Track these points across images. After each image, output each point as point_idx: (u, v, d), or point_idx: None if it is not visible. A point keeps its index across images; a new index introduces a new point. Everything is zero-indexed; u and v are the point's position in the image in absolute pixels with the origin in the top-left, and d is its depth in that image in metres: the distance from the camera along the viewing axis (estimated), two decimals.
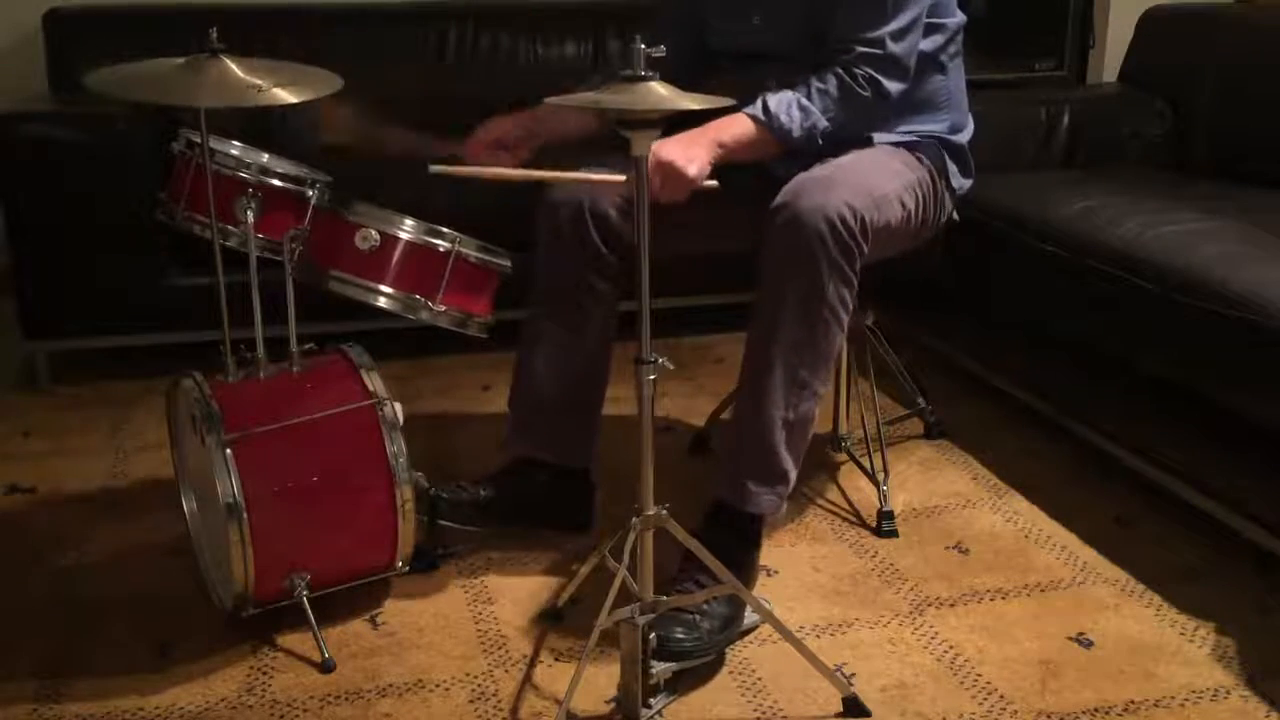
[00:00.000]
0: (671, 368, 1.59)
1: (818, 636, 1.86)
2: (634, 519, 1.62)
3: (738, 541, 1.89)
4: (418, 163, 1.80)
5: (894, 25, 1.92)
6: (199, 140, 1.82)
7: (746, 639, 1.84)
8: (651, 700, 1.65)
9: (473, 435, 2.57)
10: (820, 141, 1.93)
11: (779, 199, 1.85)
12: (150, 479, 2.37)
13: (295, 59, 1.89)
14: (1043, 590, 1.99)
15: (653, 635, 1.63)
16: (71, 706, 1.69)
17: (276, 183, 1.89)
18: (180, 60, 1.76)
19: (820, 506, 2.28)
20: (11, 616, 1.92)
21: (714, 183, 1.81)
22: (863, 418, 2.38)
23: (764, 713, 1.68)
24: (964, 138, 2.15)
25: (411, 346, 2.83)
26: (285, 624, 1.84)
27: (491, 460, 2.18)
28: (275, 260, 1.88)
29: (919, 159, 2.06)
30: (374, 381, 1.87)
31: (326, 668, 1.77)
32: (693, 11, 2.16)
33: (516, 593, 1.98)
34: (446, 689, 1.74)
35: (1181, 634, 1.86)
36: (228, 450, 1.73)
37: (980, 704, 1.70)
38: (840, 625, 1.89)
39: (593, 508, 2.16)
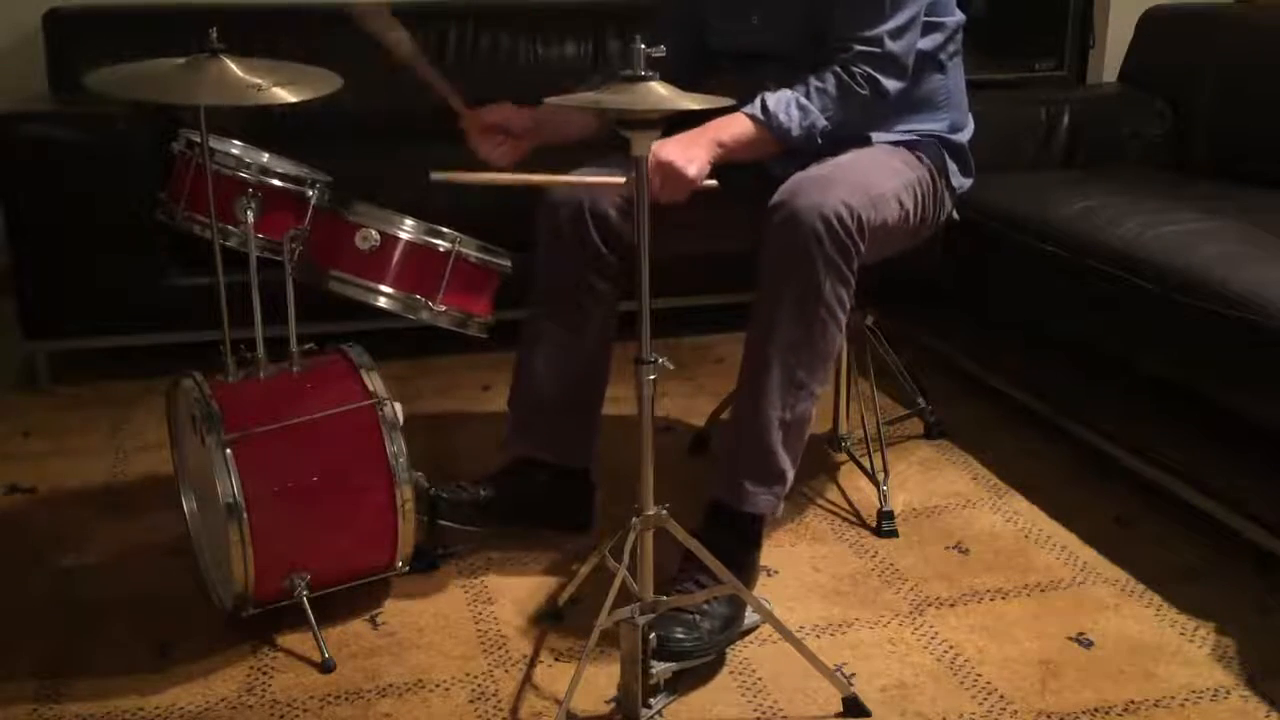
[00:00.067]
0: (671, 368, 1.59)
1: (818, 636, 1.86)
2: (634, 519, 1.62)
3: (738, 541, 1.89)
4: (441, 104, 2.02)
5: (892, 24, 1.92)
6: (199, 140, 1.82)
7: (746, 639, 1.84)
8: (651, 700, 1.65)
9: (473, 435, 2.57)
10: (819, 140, 1.93)
11: (776, 198, 1.85)
12: (150, 479, 2.37)
13: (295, 59, 1.89)
14: (1043, 590, 1.99)
15: (653, 635, 1.63)
16: (71, 706, 1.69)
17: (276, 183, 1.89)
18: (180, 60, 1.76)
19: (820, 506, 2.28)
20: (11, 616, 1.92)
21: (714, 182, 1.82)
22: (862, 418, 2.38)
23: (764, 713, 1.68)
24: (964, 137, 2.15)
25: (411, 346, 2.83)
26: (285, 624, 1.84)
27: (491, 460, 2.18)
28: (275, 260, 1.88)
29: (919, 158, 2.05)
30: (374, 381, 1.87)
31: (326, 668, 1.77)
32: (692, 12, 2.16)
33: (516, 593, 1.98)
34: (446, 689, 1.74)
35: (1181, 634, 1.86)
36: (228, 450, 1.73)
37: (980, 704, 1.70)
38: (840, 625, 1.89)
39: (593, 508, 2.16)
